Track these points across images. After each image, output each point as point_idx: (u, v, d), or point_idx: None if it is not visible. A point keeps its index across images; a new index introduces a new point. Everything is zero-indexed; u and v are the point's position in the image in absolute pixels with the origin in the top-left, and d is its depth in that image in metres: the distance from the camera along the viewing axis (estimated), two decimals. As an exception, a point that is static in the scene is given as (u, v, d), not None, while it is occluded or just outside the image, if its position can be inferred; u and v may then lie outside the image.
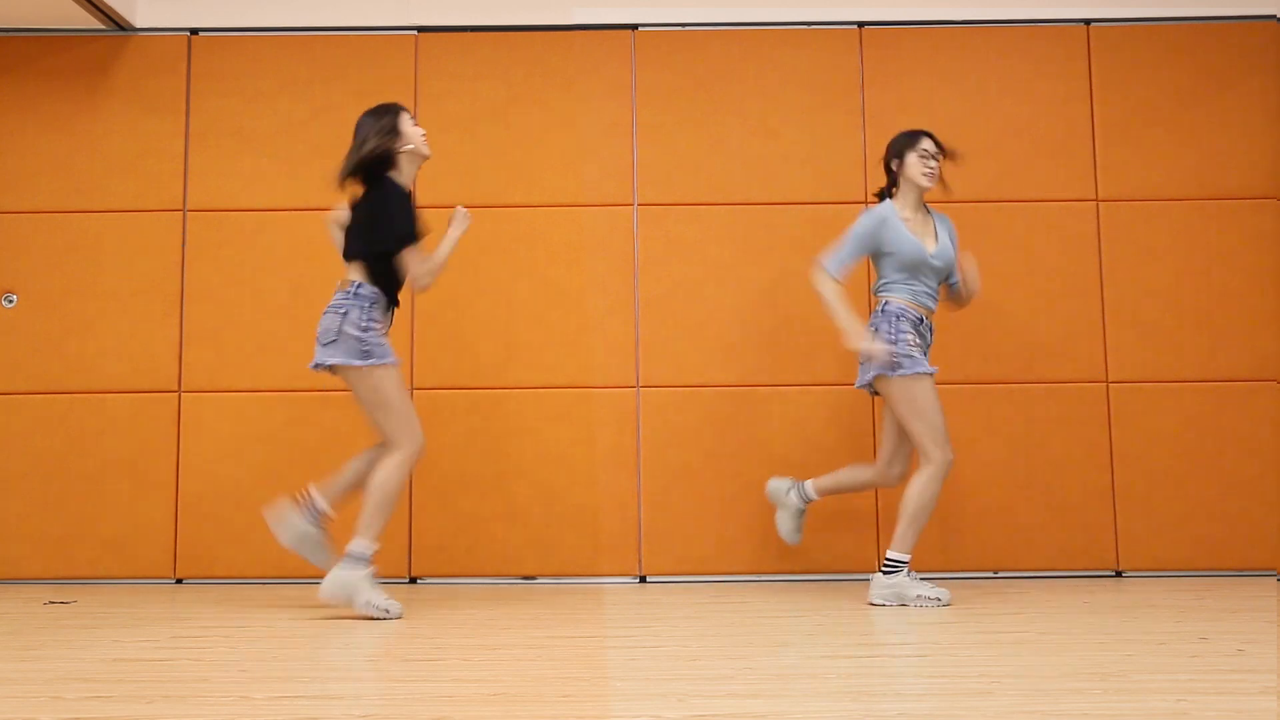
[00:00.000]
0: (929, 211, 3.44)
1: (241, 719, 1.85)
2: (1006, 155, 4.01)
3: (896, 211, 3.35)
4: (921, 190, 3.37)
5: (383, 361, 3.06)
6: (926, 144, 3.38)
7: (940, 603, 3.20)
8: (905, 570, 3.24)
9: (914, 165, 3.36)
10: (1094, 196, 4.00)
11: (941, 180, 3.41)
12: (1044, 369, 3.93)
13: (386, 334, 3.14)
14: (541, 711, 1.89)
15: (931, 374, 3.26)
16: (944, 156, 3.41)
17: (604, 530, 3.87)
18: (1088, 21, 4.07)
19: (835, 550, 3.85)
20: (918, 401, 3.23)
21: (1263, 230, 3.97)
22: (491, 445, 3.90)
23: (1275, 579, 3.75)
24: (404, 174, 3.18)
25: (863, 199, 3.94)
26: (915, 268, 3.31)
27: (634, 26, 4.08)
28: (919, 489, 3.23)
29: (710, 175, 4.02)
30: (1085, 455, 3.89)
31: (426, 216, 3.54)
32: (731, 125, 4.04)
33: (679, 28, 4.09)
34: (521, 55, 4.07)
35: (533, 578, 3.86)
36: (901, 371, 3.23)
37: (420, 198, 3.95)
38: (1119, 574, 3.87)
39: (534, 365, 3.94)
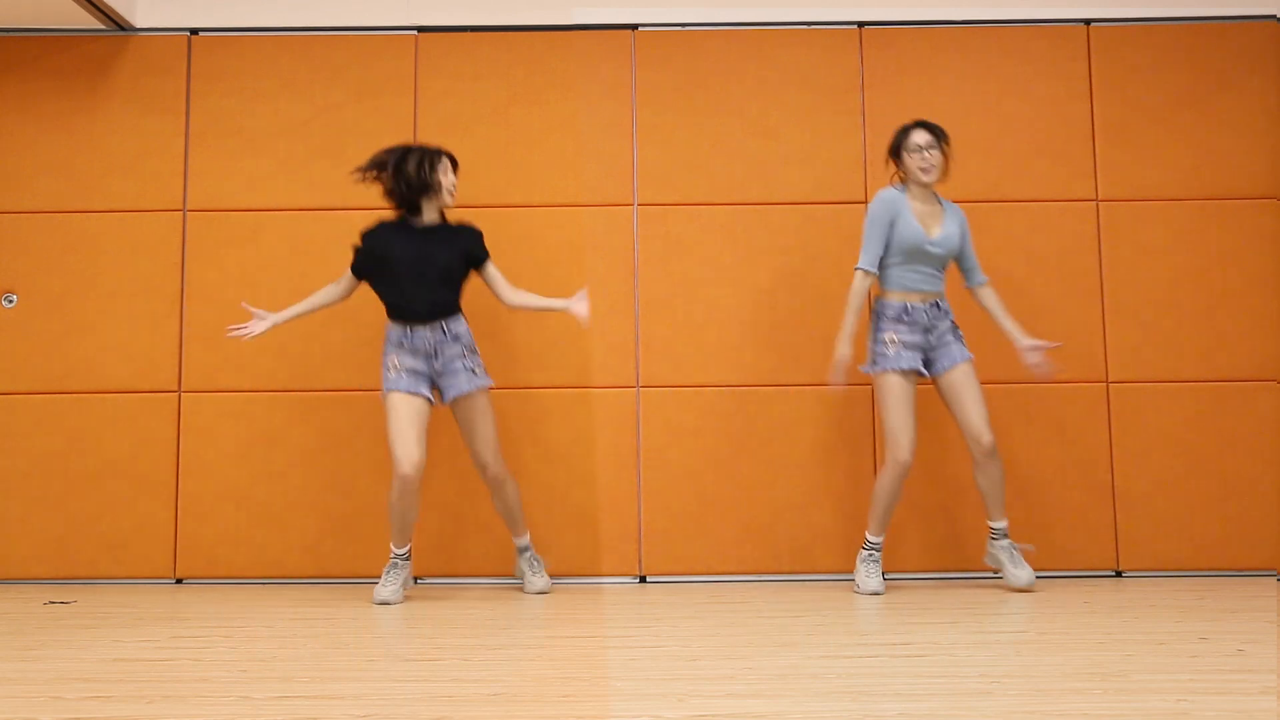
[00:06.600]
0: (939, 201, 3.50)
1: (241, 719, 1.85)
2: (1006, 155, 4.01)
3: (907, 200, 3.43)
4: (922, 185, 3.43)
5: (384, 390, 3.41)
6: (918, 137, 3.44)
7: (859, 590, 3.43)
8: (870, 550, 3.47)
9: (909, 162, 3.46)
10: (1094, 196, 4.00)
11: (945, 169, 3.45)
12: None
13: (398, 363, 3.39)
14: (541, 711, 1.89)
15: (900, 371, 3.35)
16: (943, 143, 3.45)
17: (604, 530, 3.87)
18: (1088, 21, 4.07)
19: (835, 550, 3.85)
20: (882, 398, 3.41)
21: (1263, 230, 3.97)
22: (491, 445, 3.89)
23: (1275, 579, 3.75)
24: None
25: (863, 199, 3.94)
26: (913, 253, 3.40)
27: (634, 26, 4.08)
28: (877, 480, 3.45)
29: (710, 175, 4.01)
30: (1085, 455, 3.89)
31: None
32: (731, 125, 4.04)
33: (679, 28, 4.09)
34: (521, 55, 4.07)
35: (533, 578, 3.86)
36: (872, 369, 3.44)
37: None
38: (1119, 574, 3.87)
39: (533, 365, 3.93)
